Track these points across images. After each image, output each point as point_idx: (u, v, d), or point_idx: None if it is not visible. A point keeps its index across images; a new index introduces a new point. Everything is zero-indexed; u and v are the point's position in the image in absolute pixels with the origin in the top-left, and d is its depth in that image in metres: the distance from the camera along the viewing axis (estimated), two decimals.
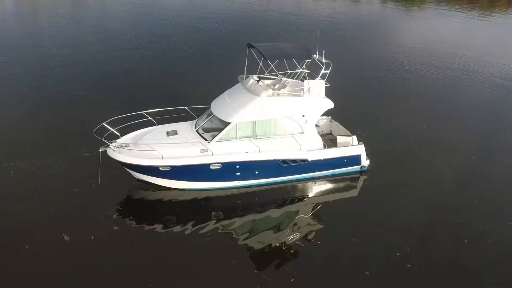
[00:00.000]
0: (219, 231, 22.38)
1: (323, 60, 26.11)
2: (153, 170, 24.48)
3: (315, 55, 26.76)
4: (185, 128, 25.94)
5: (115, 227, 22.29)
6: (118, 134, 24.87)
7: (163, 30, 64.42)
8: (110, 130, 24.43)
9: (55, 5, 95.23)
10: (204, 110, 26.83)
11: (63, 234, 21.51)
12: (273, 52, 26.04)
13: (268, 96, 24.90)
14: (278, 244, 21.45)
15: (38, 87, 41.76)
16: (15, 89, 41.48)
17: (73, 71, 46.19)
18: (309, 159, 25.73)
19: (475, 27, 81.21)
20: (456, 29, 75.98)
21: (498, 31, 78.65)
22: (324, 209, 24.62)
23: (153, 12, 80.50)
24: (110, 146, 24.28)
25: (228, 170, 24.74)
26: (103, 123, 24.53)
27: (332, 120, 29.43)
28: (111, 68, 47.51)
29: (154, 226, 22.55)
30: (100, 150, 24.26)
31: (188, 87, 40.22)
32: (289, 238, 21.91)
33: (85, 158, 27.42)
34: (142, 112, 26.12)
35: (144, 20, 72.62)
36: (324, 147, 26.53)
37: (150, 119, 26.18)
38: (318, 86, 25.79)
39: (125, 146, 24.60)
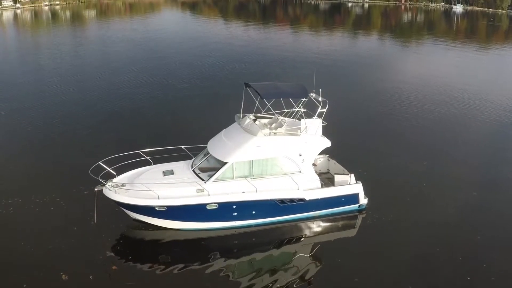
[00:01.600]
0: (216, 271, 22.07)
1: (320, 99, 26.13)
2: (149, 210, 24.24)
3: (311, 94, 26.80)
4: (181, 168, 25.80)
5: (114, 267, 21.99)
6: (114, 173, 24.65)
7: (162, 68, 64.95)
8: (106, 169, 24.25)
9: (57, 42, 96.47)
10: (200, 149, 26.71)
11: (61, 273, 21.19)
12: (269, 91, 26.10)
13: (264, 135, 24.85)
14: (277, 286, 21.12)
15: (36, 124, 41.83)
16: (14, 125, 41.54)
17: (72, 109, 46.42)
18: (307, 198, 25.51)
19: (473, 61, 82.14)
20: (454, 63, 76.73)
21: (496, 64, 79.60)
22: (323, 249, 24.28)
23: (153, 50, 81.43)
24: (106, 186, 24.09)
25: (225, 210, 24.48)
26: (99, 162, 24.35)
27: (329, 158, 29.30)
28: (108, 106, 47.69)
29: (152, 266, 22.22)
30: (96, 189, 24.04)
31: (185, 126, 40.25)
32: (287, 279, 21.60)
33: (84, 196, 27.16)
34: (139, 151, 26.02)
35: (144, 58, 73.34)
36: (322, 186, 26.32)
37: (147, 158, 26.06)
38: (315, 125, 25.76)
39: (121, 185, 24.41)
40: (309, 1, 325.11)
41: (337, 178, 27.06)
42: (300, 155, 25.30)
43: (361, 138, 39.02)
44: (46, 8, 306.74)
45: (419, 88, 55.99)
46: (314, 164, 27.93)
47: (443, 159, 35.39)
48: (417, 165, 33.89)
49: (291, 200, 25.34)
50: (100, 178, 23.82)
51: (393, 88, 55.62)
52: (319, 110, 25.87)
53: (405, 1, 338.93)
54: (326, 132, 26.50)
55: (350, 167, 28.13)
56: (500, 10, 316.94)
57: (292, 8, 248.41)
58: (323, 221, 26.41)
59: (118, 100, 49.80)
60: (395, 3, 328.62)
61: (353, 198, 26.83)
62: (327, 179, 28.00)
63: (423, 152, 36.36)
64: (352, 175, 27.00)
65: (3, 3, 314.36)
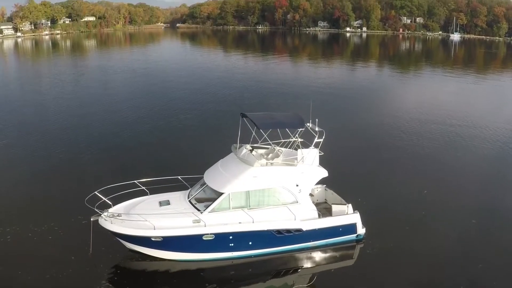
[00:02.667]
0: None
1: (317, 129, 26.15)
2: (145, 241, 24.07)
3: (308, 124, 26.85)
4: (177, 198, 25.70)
5: None
6: (110, 203, 24.62)
7: (160, 97, 65.49)
8: (102, 199, 24.18)
9: (58, 71, 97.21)
10: (197, 180, 26.66)
11: None
12: (266, 122, 26.16)
13: (261, 165, 24.81)
14: None
15: (35, 153, 42.03)
16: (13, 154, 41.75)
17: (70, 138, 46.63)
18: (304, 229, 25.34)
19: (472, 88, 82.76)
20: (453, 91, 77.21)
21: (494, 91, 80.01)
22: (321, 280, 24.06)
23: (153, 80, 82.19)
24: (102, 216, 23.98)
25: (221, 241, 24.31)
26: (95, 192, 24.31)
27: (327, 188, 29.22)
28: (106, 135, 47.89)
29: None
30: (91, 219, 23.95)
31: (182, 156, 40.36)
32: None
33: (81, 225, 27.04)
34: (135, 181, 25.96)
35: (143, 88, 73.96)
36: (319, 216, 26.17)
37: (143, 189, 25.96)
38: (311, 155, 25.74)
39: (117, 215, 24.28)
40: (307, 31, 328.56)
41: (335, 208, 26.94)
42: (297, 185, 25.23)
43: (359, 167, 38.94)
44: (47, 37, 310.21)
45: (417, 117, 56.17)
46: (311, 194, 27.85)
47: (443, 187, 35.31)
48: (417, 193, 33.82)
49: (288, 231, 25.17)
50: (96, 208, 23.73)
51: (391, 117, 55.80)
52: (316, 140, 25.86)
53: (403, 31, 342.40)
54: (323, 162, 26.47)
55: (347, 197, 28.04)
56: (497, 38, 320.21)
57: (291, 38, 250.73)
58: (321, 251, 26.20)
59: (116, 129, 49.96)
60: (393, 33, 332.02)
61: (351, 228, 26.64)
62: (324, 209, 27.88)
63: (423, 181, 36.30)
64: (350, 205, 26.89)
65: (4, 32, 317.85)
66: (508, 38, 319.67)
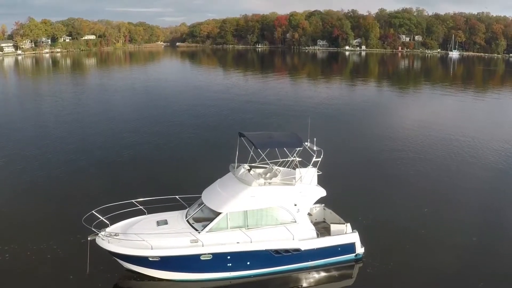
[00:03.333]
0: None
1: (315, 148, 26.16)
2: (142, 260, 23.94)
3: (306, 143, 26.87)
4: (175, 218, 25.61)
5: None
6: (108, 222, 24.52)
7: (159, 116, 65.58)
8: (100, 218, 24.11)
9: (58, 89, 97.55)
10: (195, 199, 26.59)
11: None
12: (264, 141, 26.17)
13: (259, 185, 24.76)
14: None
15: (35, 172, 42.01)
16: (13, 173, 41.74)
17: (69, 156, 46.65)
18: (302, 248, 25.21)
19: (471, 105, 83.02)
20: (452, 109, 77.44)
21: (494, 108, 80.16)
22: None
23: (152, 99, 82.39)
24: (99, 235, 23.89)
25: (219, 261, 24.17)
26: (93, 211, 24.27)
27: (325, 208, 29.13)
28: (105, 154, 47.90)
29: None
30: (89, 239, 23.88)
31: (180, 175, 40.27)
32: None
33: (80, 244, 26.90)
34: (132, 200, 25.90)
35: (142, 107, 74.19)
36: (318, 235, 26.04)
37: (141, 208, 25.89)
38: (310, 174, 25.71)
39: (114, 235, 24.17)
40: (307, 50, 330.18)
41: (333, 227, 26.83)
42: (295, 205, 25.15)
43: (357, 186, 38.84)
44: (47, 55, 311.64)
45: (416, 134, 56.22)
46: (309, 214, 27.72)
47: (443, 205, 35.21)
48: (417, 211, 33.71)
49: (286, 251, 25.04)
50: (93, 227, 23.67)
51: (390, 135, 55.82)
52: (314, 159, 25.86)
53: (401, 49, 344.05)
54: (321, 181, 26.43)
55: (346, 216, 27.95)
56: (495, 55, 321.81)
57: (290, 57, 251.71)
58: (319, 271, 26.01)
59: (115, 148, 49.99)
60: (392, 51, 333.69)
61: (350, 248, 26.50)
62: (323, 229, 27.76)
63: (423, 198, 36.23)
64: (348, 224, 26.79)
65: (4, 49, 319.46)
66: (507, 55, 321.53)
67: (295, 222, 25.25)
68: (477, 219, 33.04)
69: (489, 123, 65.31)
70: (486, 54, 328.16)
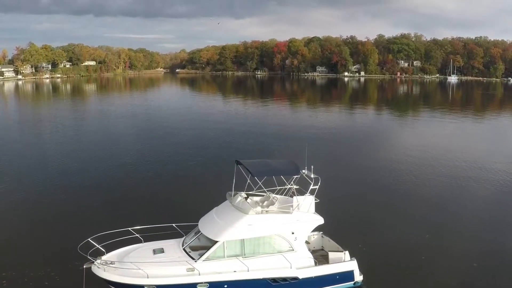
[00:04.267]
0: None
1: (312, 176, 26.08)
2: None
3: (303, 171, 26.79)
4: (172, 246, 25.39)
5: None
6: (104, 250, 24.33)
7: (158, 143, 65.64)
8: (95, 246, 23.95)
9: (60, 115, 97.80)
10: (192, 227, 26.39)
11: None
12: (260, 169, 26.08)
13: (256, 213, 24.61)
14: None
15: (33, 198, 41.91)
16: (11, 198, 41.62)
17: (67, 183, 46.57)
18: (300, 277, 24.93)
19: (470, 130, 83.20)
20: (451, 134, 77.52)
21: (493, 132, 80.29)
22: None
23: (152, 126, 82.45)
24: (95, 263, 23.69)
25: None
26: (89, 239, 24.12)
27: (323, 235, 28.90)
28: (103, 181, 47.78)
29: None
30: (84, 267, 23.68)
31: (177, 203, 40.12)
32: None
33: (77, 271, 26.60)
34: (129, 228, 25.73)
35: (142, 134, 74.27)
36: (315, 264, 25.79)
37: (137, 236, 25.71)
38: (307, 202, 25.58)
39: (110, 263, 23.97)
40: (306, 77, 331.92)
41: (331, 255, 26.58)
42: (293, 233, 24.95)
43: (356, 213, 38.59)
44: (47, 80, 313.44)
45: (416, 160, 56.10)
46: (307, 242, 27.53)
47: (443, 231, 34.88)
48: (416, 238, 33.41)
49: (284, 279, 24.77)
50: (89, 255, 23.49)
51: (389, 161, 55.70)
52: (311, 187, 25.77)
53: (400, 74, 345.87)
54: (319, 209, 26.27)
55: (344, 244, 27.69)
56: (494, 79, 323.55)
57: (289, 84, 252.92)
58: None
59: (113, 175, 49.94)
60: (390, 76, 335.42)
61: (348, 276, 26.22)
62: (321, 257, 27.51)
63: (423, 225, 35.93)
64: (347, 252, 26.56)
65: (5, 74, 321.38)
66: (505, 79, 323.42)
67: (293, 250, 25.04)
68: (478, 245, 32.75)
69: (489, 148, 65.35)
70: (485, 78, 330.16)
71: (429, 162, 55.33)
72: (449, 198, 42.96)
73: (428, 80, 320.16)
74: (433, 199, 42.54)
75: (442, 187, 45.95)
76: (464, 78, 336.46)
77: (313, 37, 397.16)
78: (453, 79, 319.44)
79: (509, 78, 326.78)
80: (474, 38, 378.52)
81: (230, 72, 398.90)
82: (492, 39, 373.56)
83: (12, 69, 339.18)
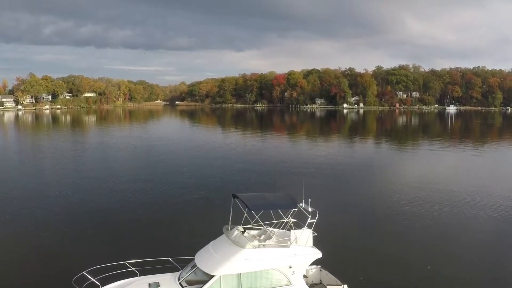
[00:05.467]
0: None
1: (309, 209, 25.91)
2: None
3: (301, 204, 26.63)
4: (168, 280, 25.06)
5: None
6: (99, 284, 24.01)
7: (156, 176, 65.51)
8: (90, 279, 23.68)
9: (60, 147, 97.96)
10: (188, 261, 26.07)
11: None
12: (257, 203, 25.92)
13: (253, 247, 24.36)
14: None
15: (29, 229, 41.59)
16: (5, 229, 41.50)
17: (62, 215, 46.36)
18: None
19: (470, 160, 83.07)
20: (451, 164, 77.58)
21: (491, 162, 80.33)
22: None
23: (151, 159, 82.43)
24: None
25: None
26: (84, 272, 23.92)
27: (321, 269, 28.55)
28: (99, 212, 47.56)
29: None
30: None
31: (173, 237, 39.82)
32: None
33: None
34: (125, 262, 25.45)
35: (142, 166, 74.16)
36: None
37: (133, 270, 25.42)
38: (305, 235, 25.33)
39: None
40: (305, 109, 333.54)
41: None
42: (290, 267, 24.65)
43: (355, 245, 38.22)
44: (47, 111, 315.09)
45: (415, 191, 55.80)
46: (305, 276, 27.20)
47: (446, 261, 34.48)
48: (418, 269, 33.03)
49: None
50: None
51: (388, 193, 55.41)
52: (309, 220, 25.57)
53: (399, 105, 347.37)
54: (317, 242, 26.02)
55: (343, 277, 27.38)
56: (492, 108, 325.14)
57: (288, 116, 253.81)
58: None
59: (110, 207, 49.73)
60: (389, 108, 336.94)
61: None
62: None
63: (424, 256, 35.50)
64: (346, 286, 26.28)
65: (5, 104, 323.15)
66: (504, 108, 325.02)
67: (291, 284, 24.70)
68: (480, 276, 32.42)
69: (489, 178, 65.21)
70: (484, 108, 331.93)
71: (429, 192, 55.09)
72: (451, 227, 42.68)
73: (427, 110, 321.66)
74: (434, 229, 42.26)
75: (443, 217, 45.65)
76: (462, 108, 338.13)
77: (312, 69, 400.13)
78: (451, 109, 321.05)
79: (508, 107, 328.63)
80: (472, 68, 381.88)
81: (229, 105, 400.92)
82: (490, 69, 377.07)
83: (12, 99, 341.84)
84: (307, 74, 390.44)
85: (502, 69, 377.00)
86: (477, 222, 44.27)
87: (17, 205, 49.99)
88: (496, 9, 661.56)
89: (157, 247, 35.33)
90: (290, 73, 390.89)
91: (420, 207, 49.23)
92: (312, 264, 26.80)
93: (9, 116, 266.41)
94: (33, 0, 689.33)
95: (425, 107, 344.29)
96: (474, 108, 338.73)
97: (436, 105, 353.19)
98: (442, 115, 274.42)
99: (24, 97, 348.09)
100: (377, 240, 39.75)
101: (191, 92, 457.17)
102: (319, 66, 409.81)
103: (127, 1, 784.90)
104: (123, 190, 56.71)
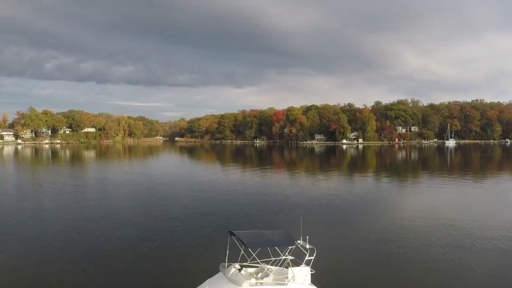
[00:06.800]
0: None
1: (307, 246, 25.63)
2: None
3: (299, 241, 26.35)
4: None
5: None
6: None
7: (155, 212, 65.03)
8: None
9: (60, 182, 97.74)
10: None
11: None
12: (254, 240, 25.63)
13: (250, 285, 23.98)
14: None
15: (25, 265, 40.90)
16: (5, 268, 40.66)
17: (61, 252, 45.68)
18: None
19: (470, 194, 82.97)
20: (451, 198, 77.18)
21: (492, 195, 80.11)
22: None
23: (149, 195, 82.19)
24: None
25: None
26: None
27: None
28: (99, 250, 46.84)
29: None
30: None
31: (168, 275, 39.16)
32: None
33: None
34: None
35: (139, 202, 73.77)
36: None
37: None
38: (303, 273, 24.99)
39: None
40: (304, 145, 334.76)
41: None
42: None
43: (355, 283, 37.58)
44: (47, 146, 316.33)
45: (416, 226, 55.13)
46: None
47: None
48: None
49: None
50: None
51: (388, 228, 54.80)
52: (307, 258, 25.26)
53: (398, 140, 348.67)
54: (315, 280, 25.65)
55: None
56: (492, 141, 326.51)
57: (288, 152, 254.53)
58: None
59: (110, 244, 49.02)
60: (389, 143, 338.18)
61: None
62: None
63: None
64: None
65: (5, 138, 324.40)
66: (503, 140, 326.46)
67: None
68: None
69: (490, 211, 64.73)
70: (483, 141, 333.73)
71: (429, 227, 54.42)
72: (451, 263, 41.94)
73: (426, 145, 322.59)
74: (436, 265, 41.56)
75: (444, 252, 44.96)
76: (462, 141, 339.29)
77: (311, 105, 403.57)
78: (451, 143, 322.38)
79: (507, 140, 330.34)
80: (470, 101, 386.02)
81: (229, 141, 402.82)
82: (489, 102, 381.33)
83: (12, 133, 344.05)
84: (306, 110, 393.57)
85: (500, 101, 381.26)
86: (480, 257, 43.55)
87: (18, 240, 49.42)
88: (493, 42, 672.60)
89: (153, 285, 34.84)
90: (289, 109, 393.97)
91: (423, 242, 48.56)
92: None
93: (8, 150, 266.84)
94: (37, 35, 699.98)
95: (424, 142, 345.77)
96: (474, 141, 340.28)
97: (435, 139, 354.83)
98: (441, 149, 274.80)
99: (24, 131, 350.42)
100: (378, 277, 39.10)
101: (190, 128, 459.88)
102: (318, 102, 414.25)
103: (129, 37, 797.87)
104: (124, 226, 56.20)
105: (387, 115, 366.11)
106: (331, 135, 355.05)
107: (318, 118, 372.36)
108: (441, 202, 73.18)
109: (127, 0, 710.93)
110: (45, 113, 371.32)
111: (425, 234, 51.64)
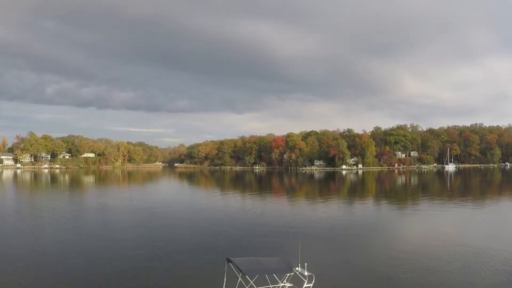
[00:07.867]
0: None
1: (306, 273, 25.49)
2: None
3: (297, 268, 26.20)
4: None
5: None
6: None
7: (154, 239, 64.66)
8: None
9: (59, 208, 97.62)
10: None
11: None
12: (252, 267, 25.50)
13: None
14: None
15: None
16: None
17: (61, 279, 45.44)
18: None
19: (470, 218, 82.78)
20: (452, 223, 77.04)
21: (493, 219, 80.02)
22: None
23: (150, 221, 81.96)
24: None
25: None
26: None
27: None
28: (99, 279, 46.60)
29: None
30: None
31: None
32: None
33: None
34: None
35: (140, 230, 73.44)
36: None
37: None
38: None
39: None
40: (304, 171, 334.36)
41: None
42: None
43: None
44: (46, 170, 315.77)
45: (417, 251, 54.69)
46: None
47: None
48: None
49: None
50: None
51: (388, 254, 54.42)
52: (305, 285, 25.12)
53: (398, 165, 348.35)
54: None
55: None
56: (491, 164, 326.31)
57: (287, 178, 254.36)
58: None
59: (110, 272, 48.69)
60: (388, 168, 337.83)
61: None
62: None
63: None
64: None
65: (4, 162, 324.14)
66: (502, 164, 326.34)
67: None
68: None
69: (490, 234, 64.45)
70: (482, 165, 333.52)
71: (431, 252, 54.06)
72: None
73: (425, 170, 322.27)
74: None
75: (446, 278, 44.66)
76: (461, 166, 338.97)
77: (310, 131, 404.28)
78: (450, 167, 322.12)
79: (507, 163, 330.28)
80: (469, 125, 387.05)
81: (228, 167, 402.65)
82: (488, 125, 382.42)
83: (11, 157, 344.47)
84: (306, 136, 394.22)
85: (500, 125, 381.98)
86: (483, 283, 43.38)
87: (17, 266, 49.20)
88: (491, 67, 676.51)
89: None
90: (289, 135, 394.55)
91: (422, 268, 48.21)
92: None
93: (7, 174, 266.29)
94: (38, 59, 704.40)
95: (424, 166, 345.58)
96: (473, 165, 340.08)
97: (435, 164, 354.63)
98: (441, 173, 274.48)
99: (23, 155, 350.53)
100: None
101: (190, 154, 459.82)
102: (317, 128, 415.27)
103: (129, 63, 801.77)
104: (123, 254, 55.89)
105: (386, 141, 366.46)
106: (331, 160, 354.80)
107: (317, 144, 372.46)
108: (442, 228, 72.90)
109: (128, 27, 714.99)
110: (45, 137, 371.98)
111: (428, 258, 51.28)
